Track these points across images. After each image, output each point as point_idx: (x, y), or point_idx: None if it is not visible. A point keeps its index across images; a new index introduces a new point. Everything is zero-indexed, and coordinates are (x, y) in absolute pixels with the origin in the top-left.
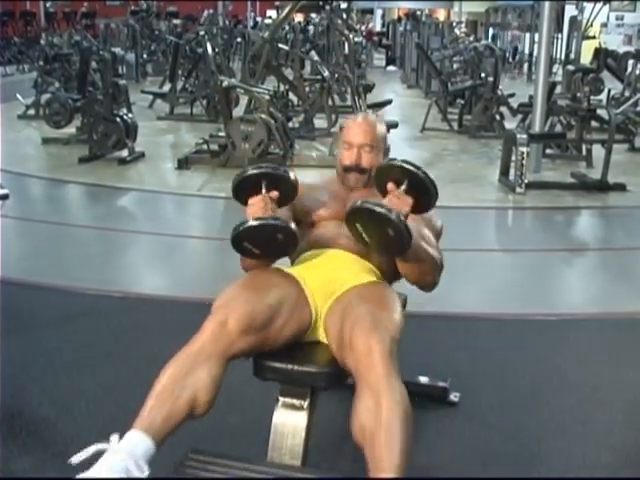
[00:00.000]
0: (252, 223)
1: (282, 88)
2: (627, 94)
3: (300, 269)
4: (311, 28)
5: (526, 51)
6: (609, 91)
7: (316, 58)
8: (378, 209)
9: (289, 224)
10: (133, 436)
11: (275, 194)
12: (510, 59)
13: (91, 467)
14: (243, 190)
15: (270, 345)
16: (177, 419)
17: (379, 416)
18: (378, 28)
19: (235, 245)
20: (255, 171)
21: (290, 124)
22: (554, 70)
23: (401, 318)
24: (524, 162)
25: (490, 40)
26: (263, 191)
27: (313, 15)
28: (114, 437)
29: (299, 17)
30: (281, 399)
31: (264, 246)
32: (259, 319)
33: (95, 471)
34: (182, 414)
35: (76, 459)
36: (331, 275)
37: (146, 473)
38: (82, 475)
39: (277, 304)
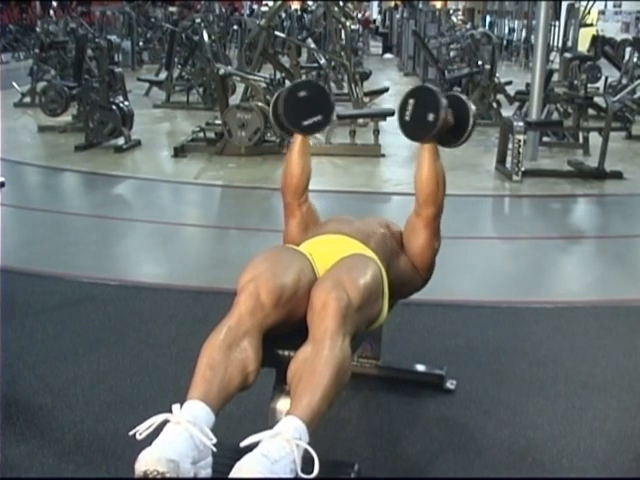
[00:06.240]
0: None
1: (279, 76)
2: (624, 82)
3: (308, 248)
4: (308, 16)
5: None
6: (606, 79)
7: (313, 46)
8: (439, 94)
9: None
10: (193, 405)
11: None
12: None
13: (155, 439)
14: None
15: (295, 318)
16: (231, 389)
17: (312, 363)
18: (375, 15)
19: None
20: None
21: None
22: (551, 58)
23: (369, 286)
24: (521, 150)
25: (487, 27)
26: None
27: (310, 2)
28: (176, 407)
29: (296, 4)
30: (278, 386)
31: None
32: (287, 292)
33: (161, 442)
34: (235, 383)
35: (140, 434)
36: (333, 254)
37: (213, 440)
38: (151, 448)
39: (299, 278)
